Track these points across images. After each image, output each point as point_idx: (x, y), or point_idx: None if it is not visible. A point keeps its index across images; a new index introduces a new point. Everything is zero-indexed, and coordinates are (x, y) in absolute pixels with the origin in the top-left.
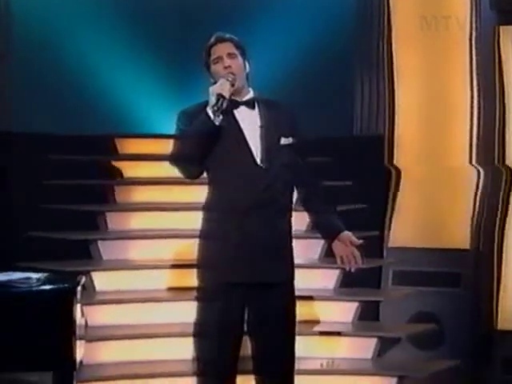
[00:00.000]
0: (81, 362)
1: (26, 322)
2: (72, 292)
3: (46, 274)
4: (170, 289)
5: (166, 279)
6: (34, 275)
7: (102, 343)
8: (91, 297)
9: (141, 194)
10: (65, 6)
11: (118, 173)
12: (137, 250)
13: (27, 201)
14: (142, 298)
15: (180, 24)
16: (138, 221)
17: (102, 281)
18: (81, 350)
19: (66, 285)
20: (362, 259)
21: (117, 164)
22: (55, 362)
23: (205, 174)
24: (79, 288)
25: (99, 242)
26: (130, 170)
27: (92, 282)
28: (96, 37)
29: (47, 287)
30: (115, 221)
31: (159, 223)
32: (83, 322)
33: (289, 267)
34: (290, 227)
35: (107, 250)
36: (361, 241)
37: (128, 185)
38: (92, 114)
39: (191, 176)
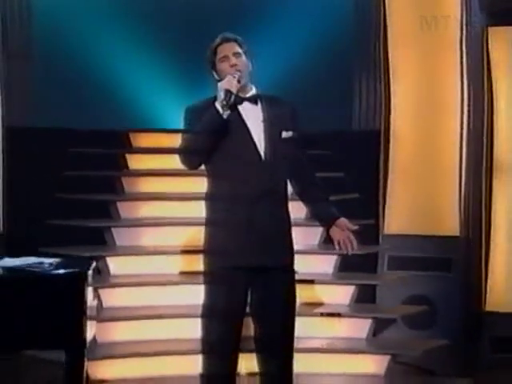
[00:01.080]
0: (95, 341)
1: (39, 303)
2: (83, 276)
3: (58, 259)
4: (179, 273)
5: (174, 264)
6: (48, 260)
7: (115, 323)
8: (106, 280)
9: (152, 185)
10: (82, 7)
11: (132, 165)
12: (148, 237)
13: (47, 191)
14: (152, 282)
15: (190, 26)
16: (148, 209)
17: (116, 265)
18: (92, 330)
19: (76, 269)
20: (357, 243)
21: (130, 157)
22: (67, 340)
23: (202, 167)
24: (90, 272)
25: (113, 229)
26: (142, 162)
27: (107, 266)
28: (113, 38)
29: (59, 271)
30: (128, 209)
31: (168, 212)
32: (94, 304)
33: (289, 253)
34: (289, 216)
35: (121, 236)
36: (356, 226)
37: (140, 176)
38: (108, 111)
39: (194, 167)
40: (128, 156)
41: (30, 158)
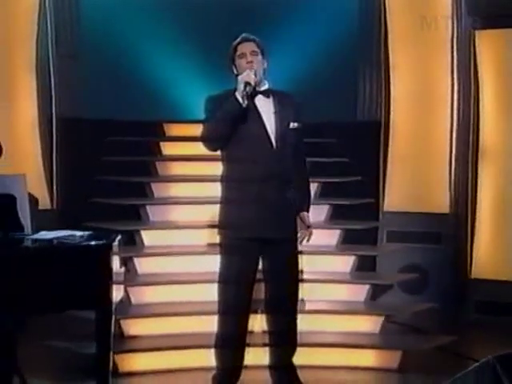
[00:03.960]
0: (130, 302)
1: (71, 271)
2: (108, 247)
3: (88, 232)
4: (204, 244)
5: (201, 237)
6: (79, 233)
7: (148, 287)
8: (140, 250)
9: (182, 168)
10: (122, 13)
11: (165, 151)
12: (178, 213)
13: (92, 174)
14: (181, 252)
15: (220, 28)
16: (179, 189)
17: (150, 238)
18: (119, 293)
19: (103, 241)
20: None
21: (164, 144)
22: (96, 302)
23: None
24: (115, 243)
25: (147, 207)
26: (174, 148)
27: (141, 238)
28: (151, 39)
29: (88, 243)
30: (161, 189)
31: (196, 191)
32: (122, 271)
33: (294, 227)
34: (293, 195)
35: (154, 212)
36: (311, 226)
37: (172, 161)
38: (145, 104)
39: (214, 150)
40: (162, 143)
41: (77, 145)
